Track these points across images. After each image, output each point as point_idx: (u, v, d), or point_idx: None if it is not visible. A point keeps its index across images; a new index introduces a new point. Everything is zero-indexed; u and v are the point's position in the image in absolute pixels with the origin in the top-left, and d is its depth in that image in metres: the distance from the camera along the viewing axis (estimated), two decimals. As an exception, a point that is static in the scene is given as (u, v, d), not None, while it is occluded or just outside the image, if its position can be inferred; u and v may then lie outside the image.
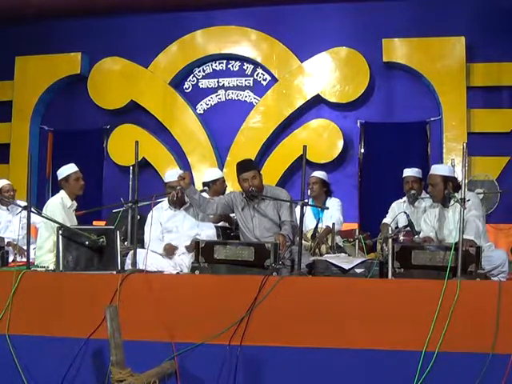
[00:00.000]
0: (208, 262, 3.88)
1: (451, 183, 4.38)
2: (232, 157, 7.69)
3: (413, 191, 5.60)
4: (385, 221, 5.72)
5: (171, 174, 5.04)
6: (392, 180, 6.24)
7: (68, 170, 4.98)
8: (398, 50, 7.40)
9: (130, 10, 7.89)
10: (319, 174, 5.99)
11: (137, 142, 4.23)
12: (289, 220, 4.53)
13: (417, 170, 5.76)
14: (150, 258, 4.31)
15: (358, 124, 7.53)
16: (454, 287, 3.35)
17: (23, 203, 5.10)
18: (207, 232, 4.84)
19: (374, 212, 6.32)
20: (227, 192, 6.15)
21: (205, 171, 6.63)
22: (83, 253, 3.99)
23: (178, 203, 4.86)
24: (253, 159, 4.59)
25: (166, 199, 4.97)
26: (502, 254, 4.26)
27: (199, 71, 8.08)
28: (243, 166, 4.58)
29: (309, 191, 5.88)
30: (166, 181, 4.98)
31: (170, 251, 4.62)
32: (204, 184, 5.97)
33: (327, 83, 7.57)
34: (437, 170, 4.52)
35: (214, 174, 6.05)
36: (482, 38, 7.19)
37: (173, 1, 7.67)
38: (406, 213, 4.90)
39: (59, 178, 4.97)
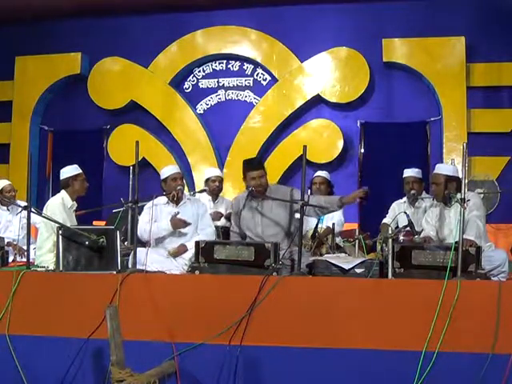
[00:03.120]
0: (208, 261, 3.88)
1: (455, 183, 4.38)
2: (232, 157, 7.70)
3: (413, 191, 5.60)
4: (385, 221, 5.72)
5: (169, 168, 5.09)
6: (392, 180, 6.23)
7: (75, 170, 4.99)
8: (397, 50, 7.40)
9: (130, 10, 7.89)
10: (324, 174, 6.09)
11: (137, 142, 4.23)
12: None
13: (417, 170, 5.76)
14: (153, 261, 4.32)
15: (358, 124, 7.53)
16: (454, 287, 3.35)
17: (23, 203, 5.10)
18: (206, 231, 4.85)
19: (374, 212, 6.32)
20: (227, 195, 6.24)
21: (204, 170, 6.71)
22: (83, 253, 3.99)
23: (176, 200, 4.90)
24: (260, 158, 4.66)
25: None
26: (502, 253, 4.27)
27: (199, 71, 8.08)
28: (252, 165, 4.58)
29: (309, 191, 5.88)
30: (166, 175, 4.94)
31: (178, 224, 4.69)
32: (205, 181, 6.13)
33: (327, 83, 7.57)
34: (441, 169, 4.53)
35: (208, 172, 6.33)
36: (482, 38, 7.19)
37: (173, 1, 7.67)
38: (405, 213, 4.89)
39: (66, 176, 4.94)
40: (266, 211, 4.54)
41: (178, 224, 4.72)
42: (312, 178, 6.02)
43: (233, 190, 7.26)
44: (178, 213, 4.76)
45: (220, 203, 6.07)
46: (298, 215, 4.52)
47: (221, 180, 6.18)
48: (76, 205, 4.97)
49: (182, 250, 4.70)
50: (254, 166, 4.56)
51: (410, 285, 3.53)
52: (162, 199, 4.92)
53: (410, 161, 6.50)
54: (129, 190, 4.54)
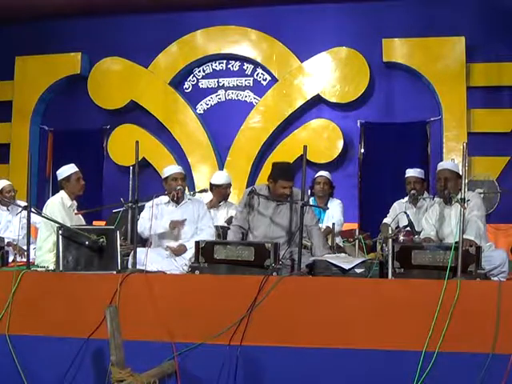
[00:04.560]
0: (208, 261, 3.88)
1: (459, 180, 4.38)
2: (232, 157, 7.70)
3: (413, 191, 5.59)
4: (385, 221, 5.71)
5: (172, 168, 5.10)
6: (392, 180, 6.25)
7: (69, 170, 4.99)
8: (397, 49, 7.41)
9: (130, 10, 7.89)
10: (326, 174, 6.07)
11: (137, 142, 4.23)
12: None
13: (419, 170, 5.76)
14: (153, 261, 4.32)
15: (358, 124, 7.54)
16: (454, 287, 3.34)
17: (23, 203, 5.10)
18: (206, 231, 4.85)
19: (374, 212, 6.33)
20: (230, 199, 6.18)
21: (207, 172, 6.66)
22: (83, 253, 3.98)
23: (177, 200, 4.92)
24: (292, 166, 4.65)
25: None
26: (502, 253, 4.26)
27: (199, 71, 8.08)
28: (288, 175, 4.51)
29: (309, 191, 5.90)
30: (167, 174, 4.95)
31: (175, 226, 4.71)
32: (210, 185, 6.01)
33: (327, 83, 7.57)
34: (447, 165, 4.58)
35: (220, 178, 6.06)
36: (482, 38, 7.19)
37: (173, 1, 7.67)
38: (406, 213, 4.89)
39: (60, 178, 4.98)
40: (281, 214, 4.54)
41: (175, 224, 4.74)
42: (314, 178, 5.99)
43: (233, 191, 7.26)
44: (185, 220, 4.78)
45: (223, 206, 6.05)
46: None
47: (230, 185, 6.14)
48: (76, 204, 4.98)
49: (182, 249, 4.71)
50: (289, 176, 4.50)
51: (410, 285, 3.53)
52: (164, 199, 4.93)
53: (410, 161, 6.50)
54: (129, 190, 4.53)
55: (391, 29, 7.39)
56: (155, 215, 4.74)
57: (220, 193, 5.95)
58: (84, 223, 4.91)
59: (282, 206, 4.54)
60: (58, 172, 5.02)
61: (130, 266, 4.14)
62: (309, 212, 4.47)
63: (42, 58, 8.14)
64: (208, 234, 4.83)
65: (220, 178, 6.08)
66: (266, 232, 4.50)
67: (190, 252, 4.50)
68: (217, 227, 5.20)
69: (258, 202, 4.56)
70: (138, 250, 4.16)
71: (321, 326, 3.49)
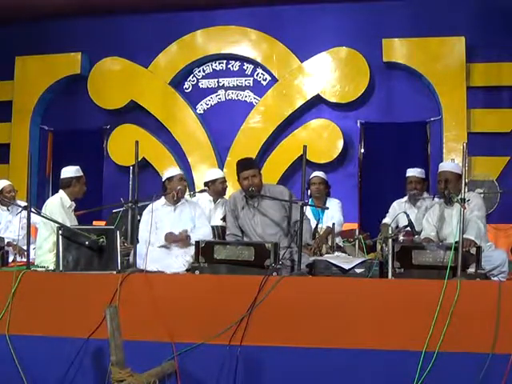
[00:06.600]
0: (208, 261, 3.88)
1: (460, 181, 4.37)
2: (232, 157, 7.69)
3: (413, 191, 5.57)
4: (385, 221, 5.70)
5: (175, 169, 5.11)
6: (392, 180, 6.26)
7: (78, 171, 4.99)
8: (397, 50, 7.41)
9: (130, 10, 7.89)
10: (321, 174, 6.04)
11: (137, 142, 4.23)
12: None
13: (420, 170, 5.71)
14: (153, 260, 4.32)
15: (358, 124, 7.54)
16: (453, 287, 3.35)
17: (23, 203, 5.10)
18: (203, 230, 4.85)
19: (374, 212, 6.33)
20: (227, 196, 6.20)
21: (205, 171, 6.67)
22: (83, 253, 3.98)
23: (176, 200, 4.91)
24: (253, 158, 4.58)
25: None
26: (502, 254, 4.26)
27: (199, 71, 8.09)
28: (244, 165, 4.51)
29: (309, 192, 5.90)
30: (173, 174, 4.93)
31: (171, 239, 4.70)
32: (205, 184, 6.05)
33: (327, 83, 7.58)
34: (448, 166, 4.54)
35: (213, 174, 6.13)
36: (482, 38, 7.19)
37: (173, 1, 7.67)
38: (405, 213, 4.88)
39: (69, 176, 4.94)
40: (264, 211, 4.52)
41: (170, 238, 4.73)
42: (309, 179, 5.97)
43: (232, 191, 7.25)
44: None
45: (221, 204, 6.06)
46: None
47: (225, 179, 6.17)
48: (74, 204, 4.97)
49: (183, 236, 4.70)
50: (245, 165, 4.49)
51: (410, 285, 3.53)
52: (160, 202, 4.92)
53: (410, 161, 6.49)
54: (129, 190, 4.54)
55: (391, 29, 7.40)
56: (155, 222, 4.73)
57: (217, 188, 5.97)
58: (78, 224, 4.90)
59: (262, 202, 4.50)
60: (66, 169, 5.00)
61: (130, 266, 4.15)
62: (297, 207, 4.46)
63: (41, 57, 8.14)
64: (205, 231, 4.83)
65: (213, 173, 6.14)
66: (257, 231, 4.49)
67: (191, 249, 4.49)
68: (216, 227, 5.20)
69: (241, 206, 4.56)
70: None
71: (321, 326, 3.49)
